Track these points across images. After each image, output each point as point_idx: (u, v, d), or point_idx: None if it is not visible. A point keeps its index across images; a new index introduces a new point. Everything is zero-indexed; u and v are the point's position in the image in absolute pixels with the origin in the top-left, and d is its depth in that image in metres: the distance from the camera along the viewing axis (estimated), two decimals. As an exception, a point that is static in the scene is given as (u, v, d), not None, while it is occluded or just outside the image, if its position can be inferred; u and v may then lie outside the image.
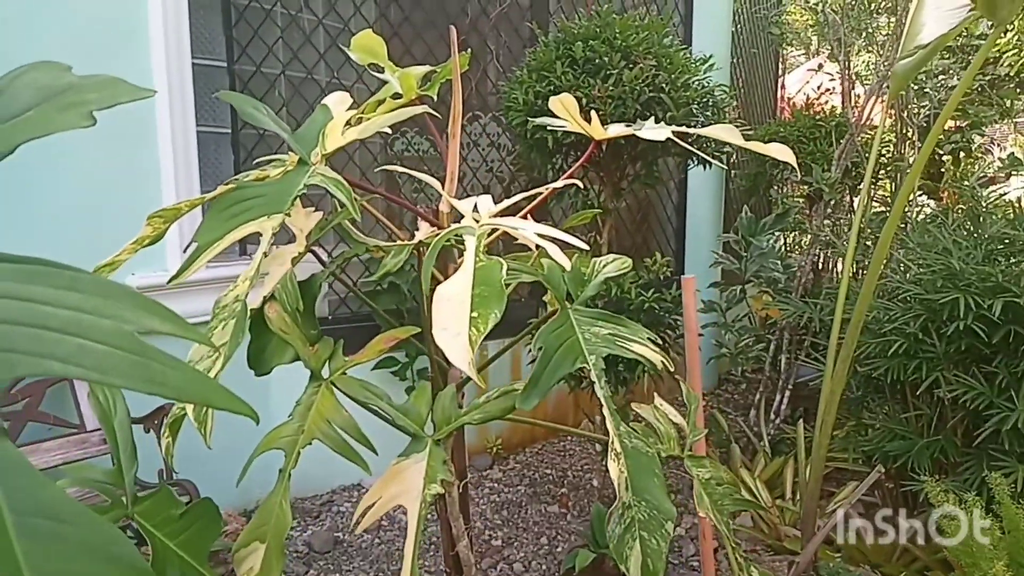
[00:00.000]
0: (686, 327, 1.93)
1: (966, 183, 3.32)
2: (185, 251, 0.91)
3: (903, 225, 3.42)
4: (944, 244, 2.60)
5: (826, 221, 4.00)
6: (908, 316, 2.52)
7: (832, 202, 3.99)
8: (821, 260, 4.25)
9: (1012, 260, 2.47)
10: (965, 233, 2.79)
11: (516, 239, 1.10)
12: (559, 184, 1.31)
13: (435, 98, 1.49)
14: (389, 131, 1.19)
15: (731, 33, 4.93)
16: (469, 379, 0.92)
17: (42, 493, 0.44)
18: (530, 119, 2.71)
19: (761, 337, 3.99)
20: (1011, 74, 3.99)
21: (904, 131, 4.09)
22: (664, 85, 2.86)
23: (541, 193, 1.32)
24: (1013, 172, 3.81)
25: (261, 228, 0.93)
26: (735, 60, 5.07)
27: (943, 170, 4.33)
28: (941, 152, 4.12)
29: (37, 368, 0.46)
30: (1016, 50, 3.88)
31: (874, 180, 4.24)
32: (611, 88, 2.80)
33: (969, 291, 2.33)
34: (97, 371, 0.47)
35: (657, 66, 2.88)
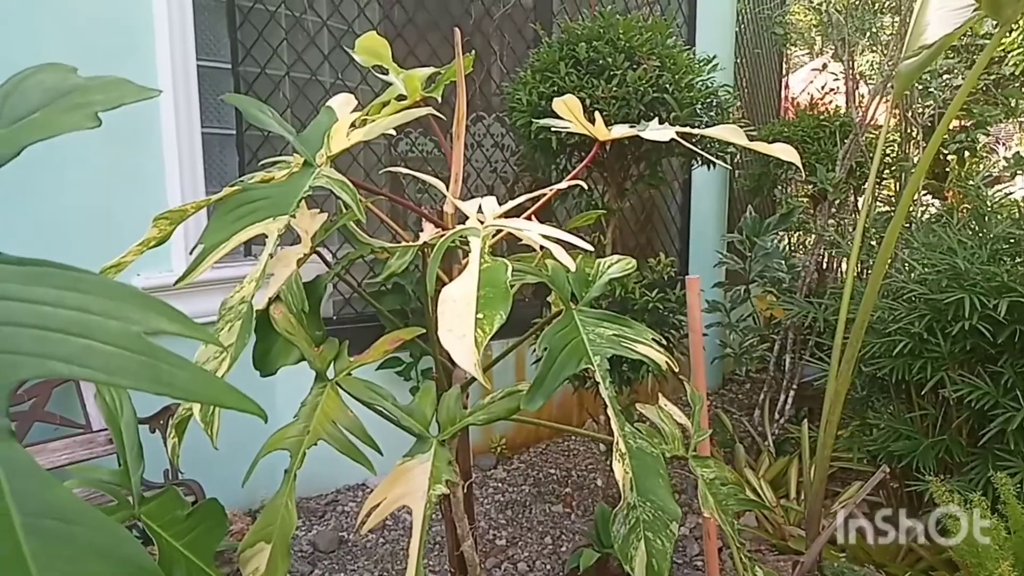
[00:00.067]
0: (690, 327, 1.93)
1: (971, 183, 3.31)
2: (191, 253, 0.92)
3: (908, 225, 3.41)
4: (949, 244, 2.59)
5: (830, 221, 3.99)
6: (913, 316, 2.51)
7: (836, 202, 3.98)
8: (825, 260, 4.24)
9: (1017, 260, 2.46)
10: (970, 233, 2.78)
11: (520, 240, 1.10)
12: (563, 185, 1.31)
13: (439, 99, 1.50)
14: (393, 132, 1.19)
15: (735, 33, 4.92)
16: (474, 380, 0.92)
17: (50, 494, 0.44)
18: (534, 120, 2.71)
19: (765, 337, 3.98)
20: (1016, 73, 3.98)
21: (908, 131, 4.08)
22: (668, 86, 2.86)
23: (545, 194, 1.33)
24: (1018, 171, 3.79)
25: (267, 230, 0.93)
26: (739, 60, 5.07)
27: (948, 170, 4.32)
28: (946, 152, 4.10)
29: (43, 369, 0.47)
30: (1021, 49, 3.86)
31: (878, 180, 4.23)
32: (615, 89, 2.80)
33: (974, 291, 2.32)
34: (104, 372, 0.47)
35: (661, 67, 2.88)
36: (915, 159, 4.00)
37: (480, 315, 0.86)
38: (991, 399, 2.30)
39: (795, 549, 2.76)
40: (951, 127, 4.04)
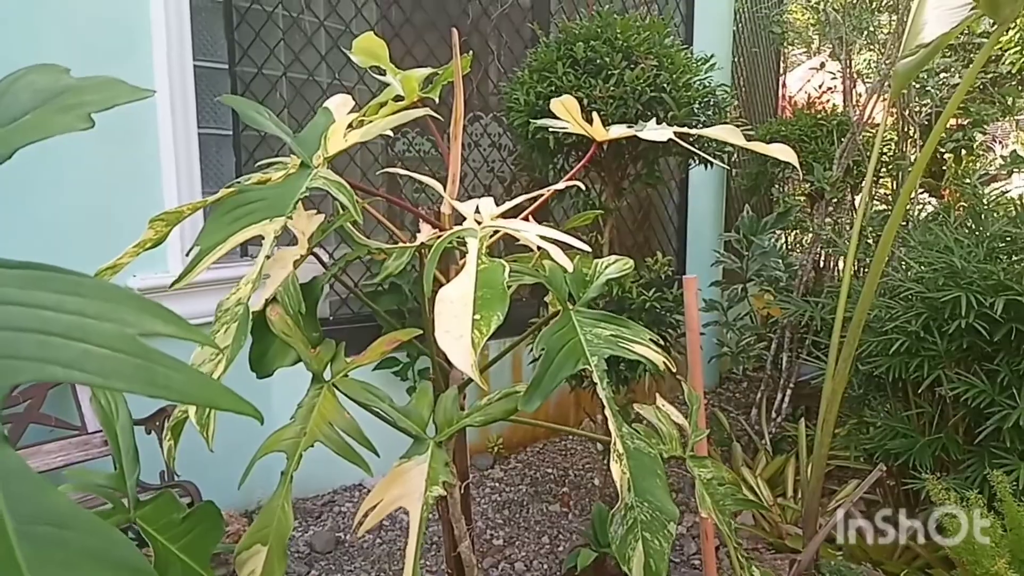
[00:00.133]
0: (688, 327, 1.93)
1: (967, 181, 3.31)
2: (187, 254, 0.91)
3: (905, 223, 3.42)
4: (946, 242, 2.60)
5: (827, 220, 4.00)
6: (910, 314, 2.51)
7: (834, 201, 3.99)
8: (822, 259, 4.24)
9: (1014, 258, 2.47)
10: (967, 231, 2.79)
11: (518, 240, 1.10)
12: (560, 186, 1.31)
13: (437, 100, 1.49)
14: (391, 133, 1.18)
15: (732, 32, 4.92)
16: (471, 380, 0.92)
17: (43, 499, 0.44)
18: (531, 120, 2.71)
19: (762, 336, 3.99)
20: (1013, 72, 3.98)
21: (906, 129, 4.09)
22: (665, 85, 2.86)
23: (543, 194, 1.32)
24: (1015, 169, 3.80)
25: (263, 231, 0.93)
26: (736, 59, 5.07)
27: (944, 168, 4.33)
28: (943, 150, 4.11)
29: (40, 373, 0.46)
30: (1018, 48, 3.87)
31: (876, 178, 4.23)
32: (612, 88, 2.80)
33: (971, 289, 2.33)
34: (100, 375, 0.47)
35: (658, 66, 2.88)
36: (912, 158, 4.00)
37: (477, 316, 0.86)
38: (987, 397, 2.31)
39: (792, 547, 2.76)
40: (948, 125, 4.04)
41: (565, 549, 2.91)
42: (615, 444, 1.01)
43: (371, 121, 1.25)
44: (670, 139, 1.30)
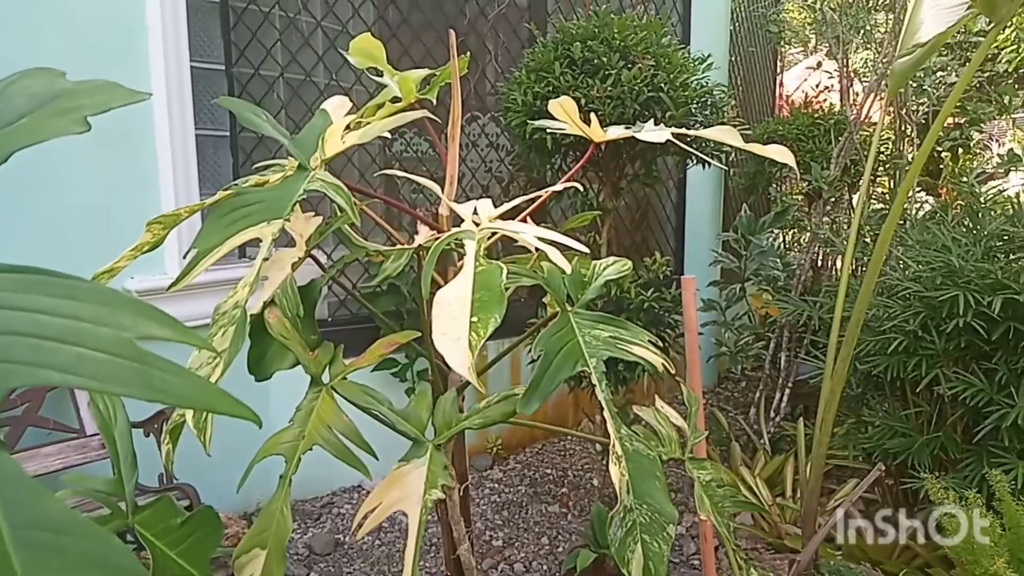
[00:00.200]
0: (686, 327, 1.93)
1: (965, 180, 3.32)
2: (184, 256, 0.91)
3: (902, 222, 3.42)
4: (943, 241, 2.60)
5: (825, 219, 4.00)
6: (908, 313, 2.52)
7: (831, 200, 3.99)
8: (820, 258, 4.25)
9: (1011, 257, 2.47)
10: (964, 230, 2.79)
11: (516, 241, 1.09)
12: (558, 187, 1.30)
13: (434, 100, 1.49)
14: (388, 134, 1.18)
15: (729, 32, 4.93)
16: (470, 383, 0.92)
17: (39, 504, 0.43)
18: (529, 120, 2.70)
19: (761, 335, 3.99)
20: (1009, 70, 3.99)
21: (903, 128, 4.09)
22: (663, 85, 2.86)
23: (540, 196, 1.32)
24: (1011, 168, 3.80)
25: (261, 234, 0.92)
26: (733, 59, 5.07)
27: (942, 167, 4.33)
28: (940, 149, 4.12)
29: (36, 378, 0.46)
30: (1014, 47, 3.88)
31: (873, 177, 4.24)
32: (610, 88, 2.80)
33: (968, 288, 2.33)
34: (96, 379, 0.47)
35: (656, 66, 2.88)
36: (910, 156, 4.01)
37: (475, 318, 0.85)
38: (985, 396, 2.31)
39: (791, 547, 2.76)
40: (945, 124, 4.04)
41: (564, 550, 2.91)
42: (614, 446, 1.01)
43: (369, 123, 1.24)
44: (668, 139, 1.30)
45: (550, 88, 2.88)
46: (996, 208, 2.97)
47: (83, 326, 0.48)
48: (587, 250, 1.08)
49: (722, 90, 3.18)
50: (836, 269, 4.36)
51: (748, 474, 3.19)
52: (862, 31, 3.91)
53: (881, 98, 3.66)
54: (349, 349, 1.27)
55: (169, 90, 2.70)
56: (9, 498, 0.43)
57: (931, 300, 2.43)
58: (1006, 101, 4.05)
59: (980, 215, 2.85)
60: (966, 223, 2.91)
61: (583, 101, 2.77)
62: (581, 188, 2.58)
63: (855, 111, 3.85)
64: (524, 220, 1.28)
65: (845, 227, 4.01)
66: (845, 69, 4.14)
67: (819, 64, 5.08)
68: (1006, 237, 2.59)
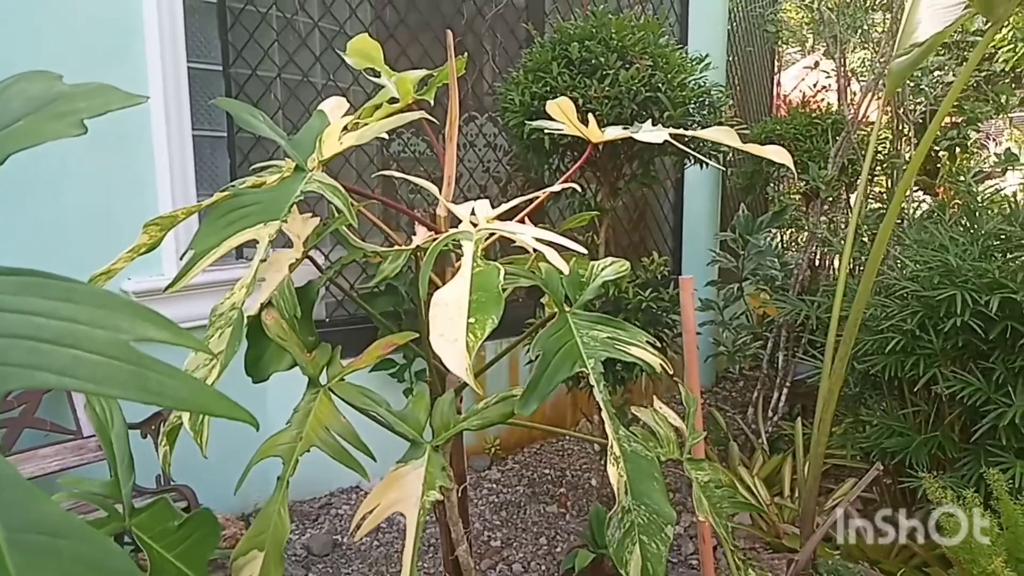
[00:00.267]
0: (684, 328, 1.93)
1: (962, 179, 3.32)
2: (181, 258, 0.91)
3: (900, 221, 3.42)
4: (941, 240, 2.60)
5: (823, 218, 4.00)
6: (905, 313, 2.52)
7: (829, 199, 3.99)
8: (818, 257, 4.25)
9: (1008, 256, 2.47)
10: (961, 229, 2.79)
11: (514, 241, 1.09)
12: (556, 188, 1.30)
13: (432, 101, 1.49)
14: (385, 134, 1.18)
15: (727, 32, 4.93)
16: (468, 383, 0.92)
17: (35, 507, 0.43)
18: (527, 121, 2.70)
19: (759, 335, 3.99)
20: (1006, 70, 4.00)
21: (900, 128, 4.09)
22: (660, 85, 2.86)
23: (538, 196, 1.32)
24: (1008, 167, 3.81)
25: (258, 235, 0.92)
26: (731, 58, 5.07)
27: (939, 166, 4.34)
28: (937, 148, 4.12)
29: (32, 381, 0.46)
30: (1011, 46, 3.88)
31: (871, 177, 4.24)
32: (607, 88, 2.80)
33: (966, 287, 2.33)
34: (92, 382, 0.47)
35: (653, 66, 2.88)
36: (907, 156, 4.01)
37: (472, 319, 0.85)
38: (983, 395, 2.31)
39: (790, 547, 2.76)
40: (942, 123, 4.05)
41: (563, 550, 2.91)
42: (612, 447, 1.01)
43: (366, 124, 1.24)
44: (665, 140, 1.30)
45: (548, 88, 2.87)
46: (993, 207, 2.97)
47: (80, 328, 0.48)
48: (585, 251, 1.08)
49: (720, 90, 3.18)
50: (834, 268, 4.36)
51: (746, 474, 3.20)
52: (859, 31, 3.92)
53: (879, 97, 3.67)
54: (347, 349, 1.26)
55: (166, 91, 2.69)
56: (4, 501, 0.43)
57: (929, 299, 2.43)
58: (1003, 100, 4.06)
59: (977, 214, 2.85)
60: (963, 222, 2.91)
61: (581, 101, 2.77)
62: (579, 188, 2.58)
63: (852, 111, 3.85)
64: (522, 221, 1.28)
65: (843, 226, 4.01)
66: (842, 69, 4.14)
67: (816, 64, 5.09)
68: (1003, 236, 2.60)
